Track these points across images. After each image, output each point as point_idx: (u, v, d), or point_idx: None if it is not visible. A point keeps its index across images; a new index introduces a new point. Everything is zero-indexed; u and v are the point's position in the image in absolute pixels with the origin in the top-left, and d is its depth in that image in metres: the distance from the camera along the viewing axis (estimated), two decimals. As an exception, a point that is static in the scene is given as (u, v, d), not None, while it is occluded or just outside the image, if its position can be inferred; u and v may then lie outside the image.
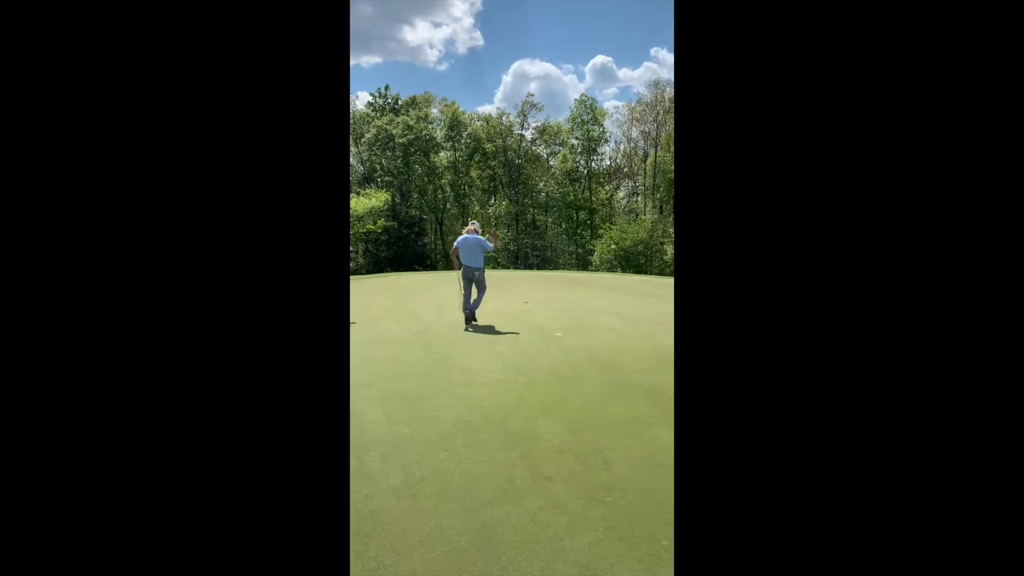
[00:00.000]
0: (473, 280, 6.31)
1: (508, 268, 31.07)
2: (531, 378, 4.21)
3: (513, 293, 9.46)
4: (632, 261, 23.19)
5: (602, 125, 32.14)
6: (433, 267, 31.41)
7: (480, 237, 6.28)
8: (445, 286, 11.07)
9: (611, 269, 23.74)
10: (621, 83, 52.43)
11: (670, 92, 31.67)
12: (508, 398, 3.72)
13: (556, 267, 32.52)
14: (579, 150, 32.85)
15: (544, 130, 34.94)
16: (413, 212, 31.21)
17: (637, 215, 32.50)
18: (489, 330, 6.24)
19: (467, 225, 6.66)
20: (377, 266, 28.09)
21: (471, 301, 6.29)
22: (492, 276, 13.40)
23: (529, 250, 33.18)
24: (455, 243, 6.29)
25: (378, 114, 33.77)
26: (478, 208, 36.58)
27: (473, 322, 6.30)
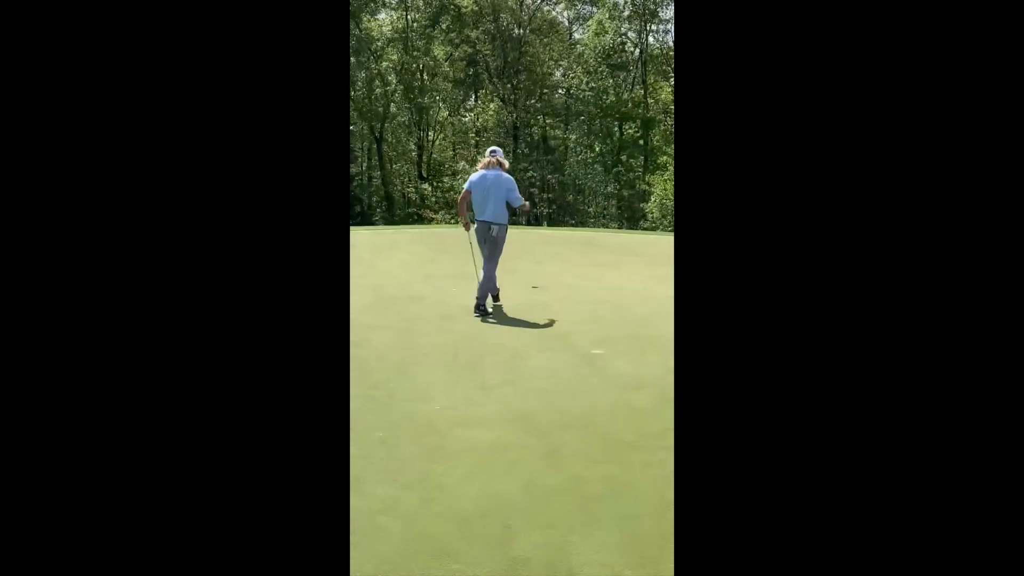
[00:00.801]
0: (489, 242, 7.05)
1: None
2: (552, 443, 3.94)
3: (512, 269, 9.21)
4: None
5: (670, -31, 31.56)
6: (367, 219, 31.07)
7: (505, 175, 6.97)
8: (384, 256, 10.84)
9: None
10: None
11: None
12: (508, 488, 3.45)
13: (583, 222, 32.27)
14: (627, 14, 32.30)
15: (566, -24, 34.35)
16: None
17: (728, 132, 32.11)
18: (470, 338, 6.00)
19: (482, 157, 7.19)
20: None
21: (483, 274, 7.05)
22: (468, 239, 13.21)
23: (537, 190, 32.73)
24: (466, 184, 7.09)
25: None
26: (447, 115, 36.17)
27: (492, 305, 7.16)
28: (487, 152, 7.42)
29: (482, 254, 7.13)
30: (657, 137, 31.93)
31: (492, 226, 7.01)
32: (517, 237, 11.27)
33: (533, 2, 34.97)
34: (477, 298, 7.01)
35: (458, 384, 4.89)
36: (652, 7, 31.79)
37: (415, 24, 33.20)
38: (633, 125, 32.16)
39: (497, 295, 7.36)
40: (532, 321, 6.79)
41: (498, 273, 7.26)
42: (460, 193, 7.22)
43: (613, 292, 8.35)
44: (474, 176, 7.11)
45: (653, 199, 25.58)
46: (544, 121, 35.42)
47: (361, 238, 13.09)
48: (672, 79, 33.90)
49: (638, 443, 3.92)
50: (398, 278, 9.08)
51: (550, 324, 6.68)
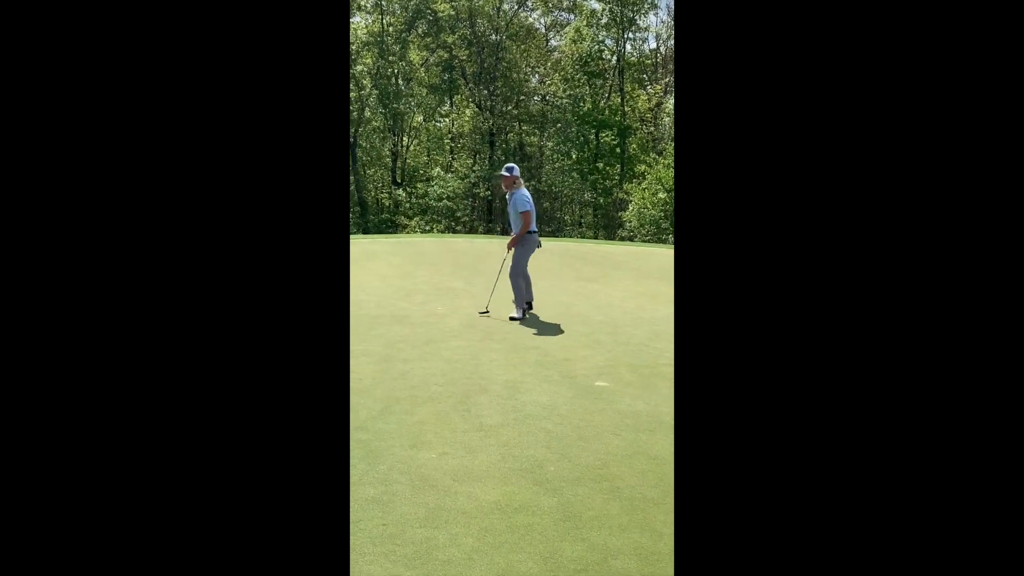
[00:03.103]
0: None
1: (474, 233, 30.32)
2: (566, 501, 3.48)
3: (492, 282, 8.75)
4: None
5: (647, -22, 31.33)
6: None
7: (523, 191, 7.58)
8: (361, 267, 10.31)
9: (658, 236, 23.23)
10: (679, -96, 52.04)
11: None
12: (525, 563, 2.98)
13: (561, 231, 31.90)
14: (604, 21, 32.01)
15: (544, -17, 33.98)
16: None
17: (704, 141, 31.92)
18: (461, 366, 5.52)
19: (509, 172, 7.69)
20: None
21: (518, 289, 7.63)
22: (452, 250, 12.70)
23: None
24: (528, 205, 7.51)
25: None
26: (421, 120, 35.58)
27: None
28: (512, 170, 7.68)
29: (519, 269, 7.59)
30: (634, 145, 31.71)
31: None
32: (495, 250, 10.85)
33: (510, 8, 34.58)
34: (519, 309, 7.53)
35: (453, 424, 4.40)
36: (630, 15, 31.58)
37: (390, 28, 32.63)
38: (610, 133, 31.84)
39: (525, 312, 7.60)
40: (526, 345, 6.33)
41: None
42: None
43: (606, 311, 7.94)
44: (527, 194, 7.58)
45: (631, 208, 25.28)
46: (520, 128, 35.04)
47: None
48: (648, 87, 33.81)
49: (663, 501, 3.47)
50: (378, 293, 8.57)
51: (546, 350, 6.21)
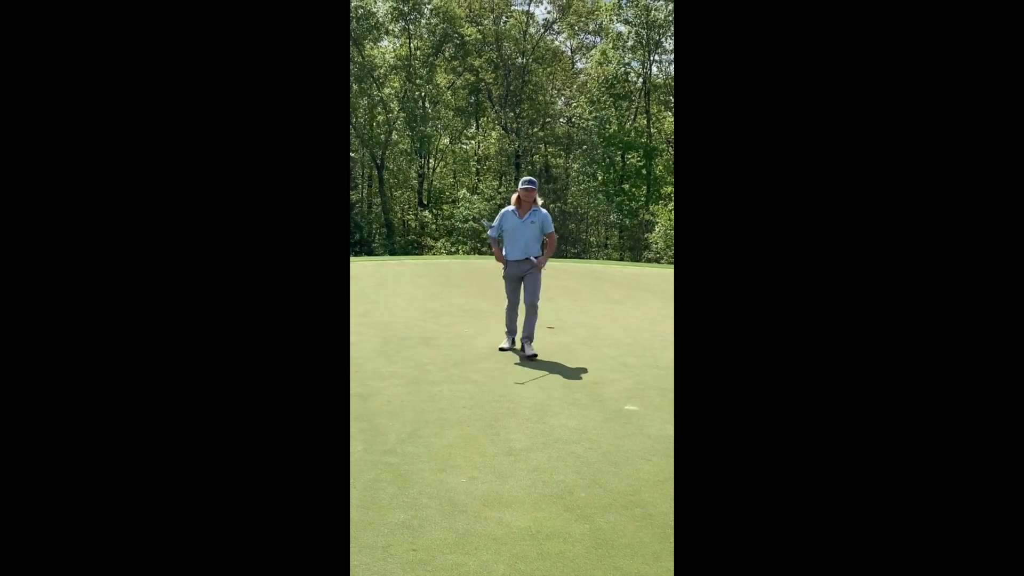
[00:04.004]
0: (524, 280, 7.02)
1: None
2: (598, 528, 3.43)
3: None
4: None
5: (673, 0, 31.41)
6: (367, 246, 30.57)
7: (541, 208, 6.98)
8: (389, 289, 10.36)
9: (686, 258, 23.07)
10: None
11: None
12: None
13: (587, 252, 31.82)
14: (630, 44, 32.14)
15: (569, 7, 34.20)
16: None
17: (731, 162, 31.74)
18: (489, 389, 5.50)
19: (534, 186, 6.98)
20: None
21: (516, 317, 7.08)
22: (478, 271, 12.73)
23: (538, 219, 32.22)
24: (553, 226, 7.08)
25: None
26: (447, 142, 35.84)
27: (528, 354, 6.77)
28: (536, 184, 7.06)
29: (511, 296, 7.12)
30: (660, 167, 31.66)
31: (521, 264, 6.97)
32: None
33: (536, 32, 34.87)
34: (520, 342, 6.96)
35: (482, 448, 4.38)
36: (656, 38, 31.68)
37: (418, 52, 33.01)
38: (636, 154, 31.86)
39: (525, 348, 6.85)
40: (554, 368, 6.29)
41: (505, 312, 7.16)
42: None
43: (634, 334, 7.88)
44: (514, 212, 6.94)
45: (658, 229, 25.21)
46: (546, 150, 35.17)
47: (365, 270, 12.62)
48: (674, 109, 33.78)
49: (697, 528, 3.41)
50: (405, 315, 8.60)
51: (574, 372, 6.18)
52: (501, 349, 6.92)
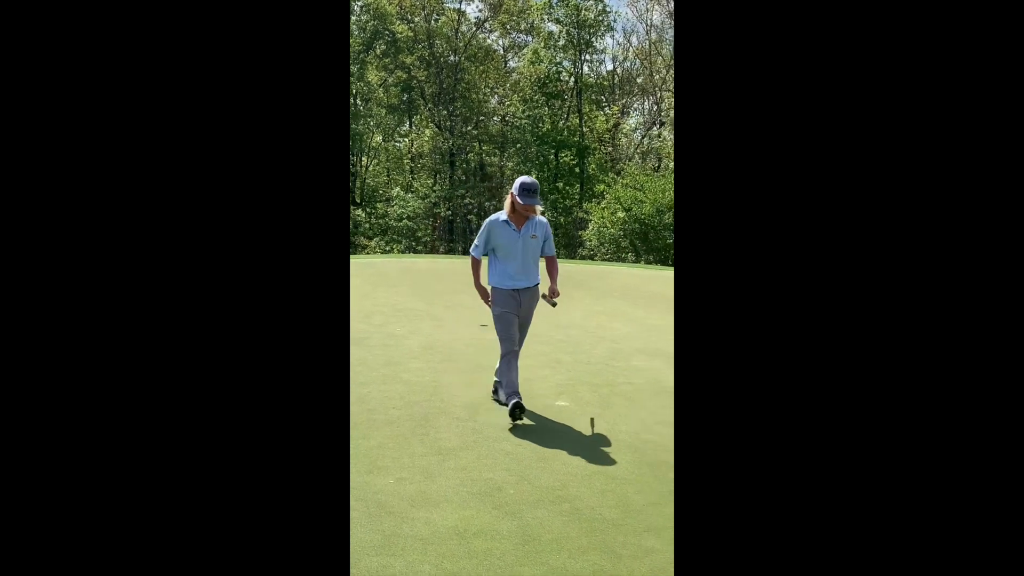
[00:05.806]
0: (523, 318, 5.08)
1: (435, 253, 30.26)
2: (525, 525, 3.44)
3: (458, 304, 8.71)
4: (653, 242, 22.68)
5: (604, 0, 31.81)
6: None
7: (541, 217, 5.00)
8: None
9: (618, 255, 23.40)
10: (633, -71, 53.09)
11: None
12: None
13: (520, 249, 31.85)
14: (562, 43, 32.41)
15: (501, 5, 34.24)
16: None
17: (661, 161, 32.32)
18: (420, 389, 5.46)
19: (526, 198, 4.80)
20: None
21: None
22: (411, 270, 12.61)
23: (473, 216, 32.30)
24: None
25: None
26: (380, 140, 35.45)
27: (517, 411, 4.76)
28: (522, 185, 4.83)
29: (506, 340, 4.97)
30: (593, 165, 31.97)
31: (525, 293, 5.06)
32: (447, 268, 10.81)
33: (468, 30, 34.78)
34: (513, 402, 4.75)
35: (411, 448, 4.34)
36: (587, 37, 32.00)
37: (349, 48, 32.53)
38: (568, 153, 32.10)
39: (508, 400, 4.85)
40: (487, 366, 6.29)
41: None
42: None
43: (566, 331, 7.94)
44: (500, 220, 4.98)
45: (591, 227, 25.42)
46: (481, 148, 35.13)
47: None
48: (606, 108, 34.20)
49: (623, 522, 3.46)
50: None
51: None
52: (515, 416, 4.70)
